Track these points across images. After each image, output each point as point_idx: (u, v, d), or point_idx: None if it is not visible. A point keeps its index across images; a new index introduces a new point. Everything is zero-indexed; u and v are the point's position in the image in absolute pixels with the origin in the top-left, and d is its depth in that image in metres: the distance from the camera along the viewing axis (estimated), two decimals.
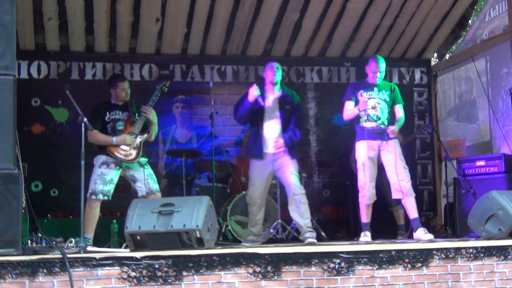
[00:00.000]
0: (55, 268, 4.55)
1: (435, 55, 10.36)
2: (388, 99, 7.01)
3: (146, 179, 6.72)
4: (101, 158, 6.69)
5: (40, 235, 5.43)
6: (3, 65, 5.04)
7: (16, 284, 4.49)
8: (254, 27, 8.87)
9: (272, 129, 6.88)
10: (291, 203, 6.79)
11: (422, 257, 5.08)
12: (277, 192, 7.64)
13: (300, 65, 9.50)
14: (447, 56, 9.98)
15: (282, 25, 8.89)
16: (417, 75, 9.82)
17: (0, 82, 5.01)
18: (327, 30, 9.10)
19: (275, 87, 6.97)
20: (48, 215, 8.04)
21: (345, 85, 9.52)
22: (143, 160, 6.82)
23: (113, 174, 6.67)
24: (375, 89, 7.00)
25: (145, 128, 6.87)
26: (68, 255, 4.61)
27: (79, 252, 5.00)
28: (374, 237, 7.16)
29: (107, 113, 6.84)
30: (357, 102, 6.98)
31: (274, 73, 6.90)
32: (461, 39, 9.91)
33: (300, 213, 6.77)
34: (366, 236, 6.96)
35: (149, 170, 6.82)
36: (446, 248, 5.15)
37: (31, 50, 8.62)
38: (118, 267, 4.65)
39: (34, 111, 8.62)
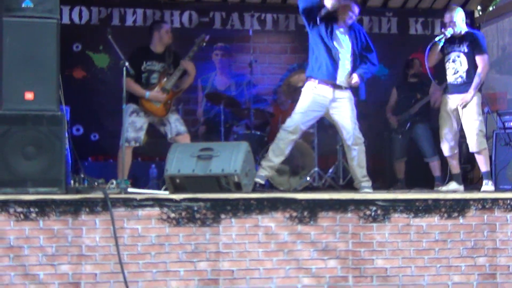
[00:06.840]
0: (97, 208, 4.68)
1: (479, 7, 10.14)
2: (467, 50, 6.67)
3: (174, 122, 6.85)
4: (131, 107, 6.77)
5: (82, 176, 5.57)
6: (47, 9, 5.12)
7: (59, 222, 4.64)
8: None
9: (344, 60, 6.53)
10: (348, 152, 6.57)
11: (458, 207, 5.10)
12: (315, 141, 7.66)
13: None
14: (491, 8, 9.77)
15: None
16: None
17: (43, 25, 5.10)
18: None
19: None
20: (89, 158, 8.20)
21: (386, 35, 9.47)
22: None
23: (143, 121, 6.79)
24: (454, 41, 6.74)
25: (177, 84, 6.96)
26: (110, 196, 4.74)
27: (120, 193, 5.13)
28: (410, 188, 7.14)
29: (144, 62, 6.86)
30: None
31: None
32: None
33: (358, 162, 6.56)
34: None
35: (175, 116, 6.94)
36: (483, 199, 5.16)
37: None
38: (158, 208, 4.76)
39: (75, 56, 8.69)
